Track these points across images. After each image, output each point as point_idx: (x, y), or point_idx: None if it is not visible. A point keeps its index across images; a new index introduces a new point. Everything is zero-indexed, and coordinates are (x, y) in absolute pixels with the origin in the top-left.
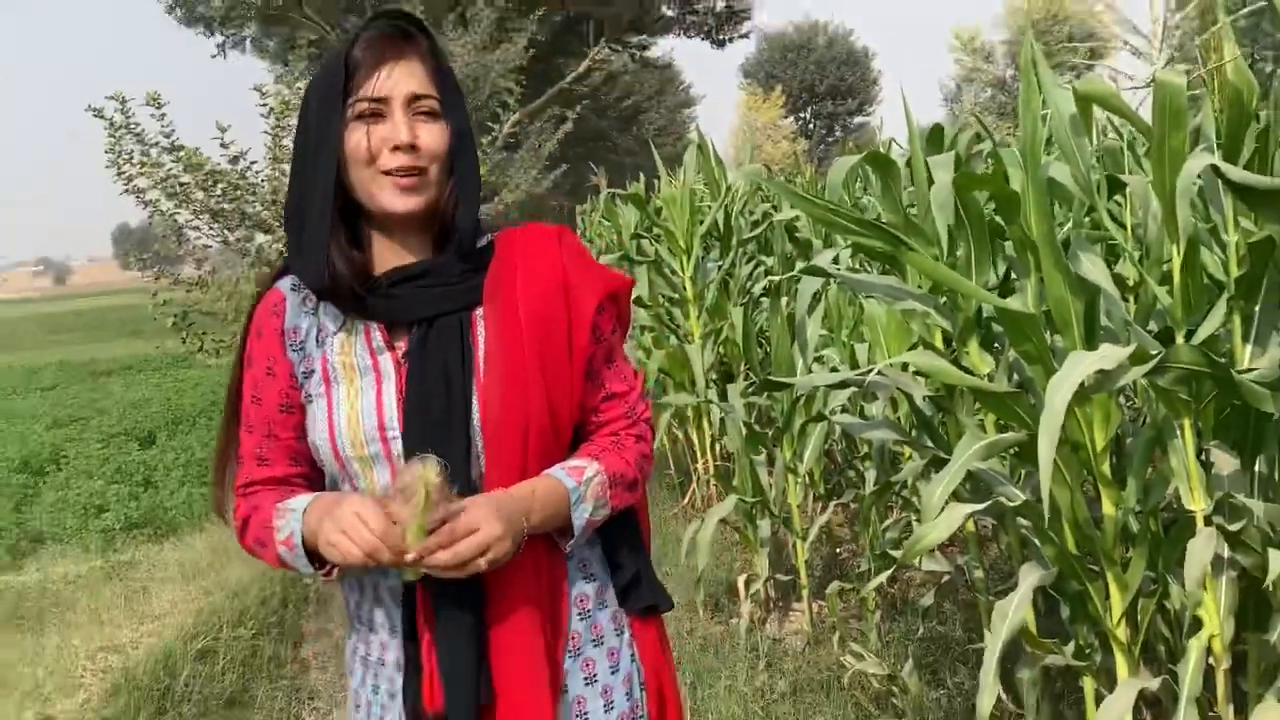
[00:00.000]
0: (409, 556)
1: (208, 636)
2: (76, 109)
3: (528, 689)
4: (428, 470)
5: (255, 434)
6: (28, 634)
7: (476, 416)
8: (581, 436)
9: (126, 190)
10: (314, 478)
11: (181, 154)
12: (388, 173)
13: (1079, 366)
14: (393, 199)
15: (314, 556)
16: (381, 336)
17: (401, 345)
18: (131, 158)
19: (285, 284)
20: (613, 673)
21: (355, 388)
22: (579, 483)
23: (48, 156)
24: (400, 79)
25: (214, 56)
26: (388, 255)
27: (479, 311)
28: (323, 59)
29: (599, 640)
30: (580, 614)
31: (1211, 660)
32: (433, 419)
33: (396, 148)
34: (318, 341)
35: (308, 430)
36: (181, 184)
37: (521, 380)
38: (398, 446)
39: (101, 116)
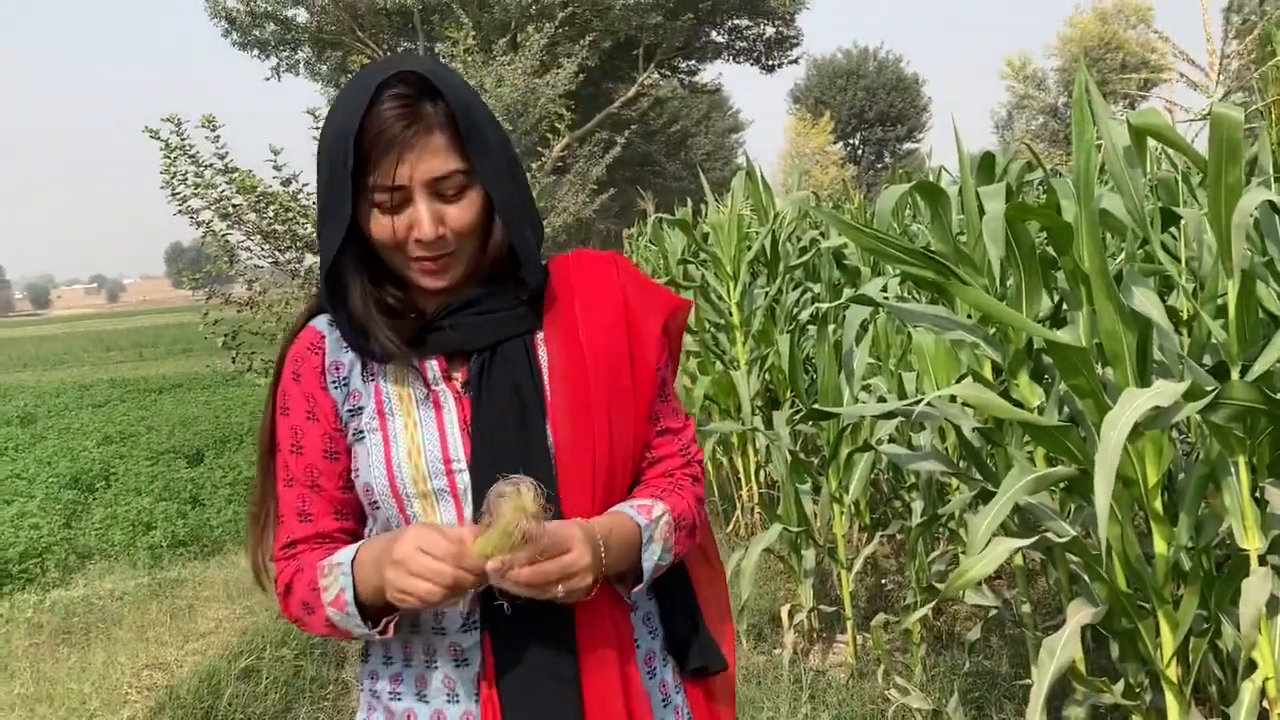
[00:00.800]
0: (491, 565)
1: (251, 656)
2: (133, 130)
3: None
4: (523, 496)
5: (296, 486)
6: (75, 650)
7: (551, 442)
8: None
9: (180, 211)
10: (359, 533)
11: (235, 176)
12: (417, 258)
13: (1134, 403)
14: (425, 280)
15: (367, 613)
16: (439, 367)
17: (459, 375)
18: (186, 179)
19: (320, 322)
20: None
21: (413, 420)
22: (649, 520)
23: (103, 176)
24: (418, 164)
25: (267, 79)
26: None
27: (540, 336)
28: (333, 113)
29: (666, 700)
30: (648, 673)
31: (1265, 703)
32: (505, 448)
33: (419, 240)
34: (365, 376)
35: (359, 470)
36: (234, 205)
37: (589, 406)
38: (464, 480)
39: (157, 138)
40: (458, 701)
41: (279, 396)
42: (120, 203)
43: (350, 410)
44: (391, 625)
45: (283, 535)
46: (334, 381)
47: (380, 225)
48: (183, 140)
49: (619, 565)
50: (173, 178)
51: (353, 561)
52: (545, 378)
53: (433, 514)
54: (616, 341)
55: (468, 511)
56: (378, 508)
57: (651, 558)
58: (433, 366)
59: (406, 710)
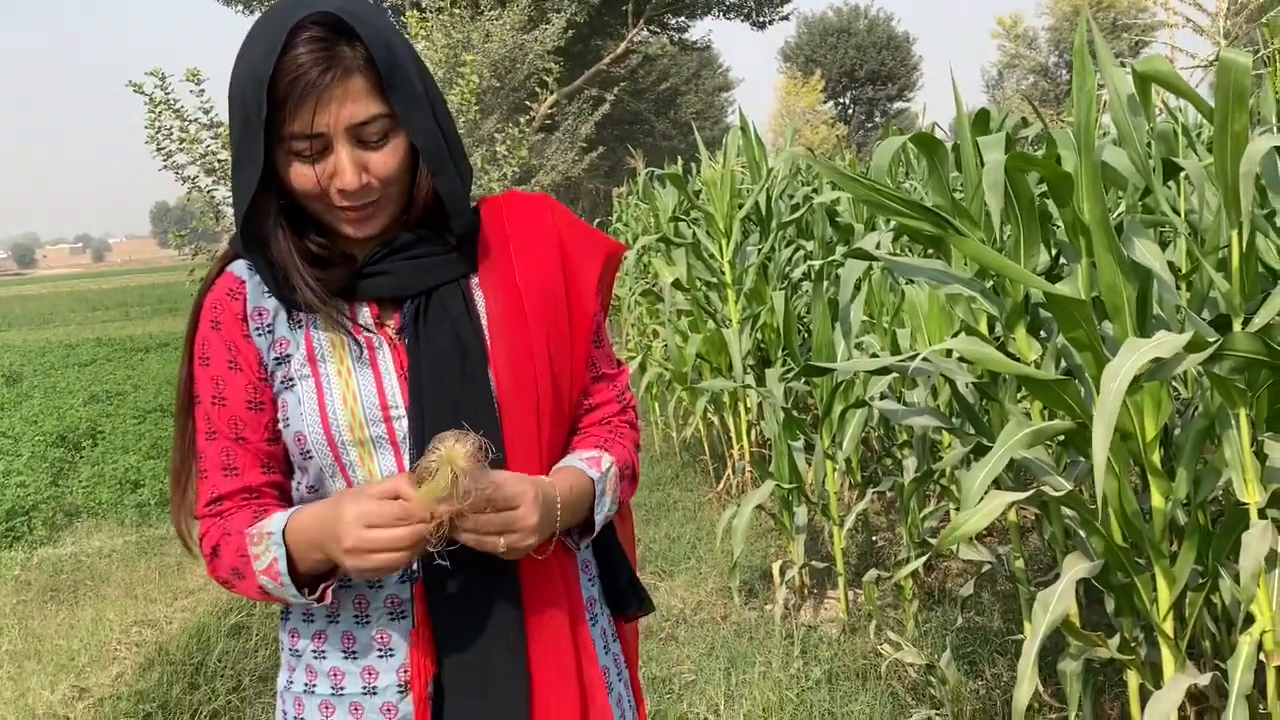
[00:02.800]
0: (426, 521)
1: (241, 613)
2: (116, 85)
3: (567, 708)
4: (458, 447)
5: (220, 440)
6: (63, 607)
7: (494, 388)
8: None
9: (165, 166)
10: (286, 486)
11: (221, 130)
12: (341, 207)
13: (1135, 354)
14: (349, 229)
15: (301, 580)
16: (370, 314)
17: (392, 322)
18: (171, 134)
19: (238, 267)
20: (619, 679)
21: (346, 366)
22: (600, 473)
23: (86, 133)
24: (337, 109)
25: None
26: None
27: (474, 280)
28: (243, 55)
29: (607, 648)
30: (591, 620)
31: (1263, 656)
32: (446, 394)
33: (341, 189)
34: (291, 323)
35: (289, 419)
36: (220, 160)
37: (530, 350)
38: (402, 427)
39: (141, 92)
40: (391, 655)
41: (197, 346)
42: (105, 162)
43: (276, 358)
44: (329, 591)
45: (206, 491)
46: (257, 329)
47: (300, 175)
48: (167, 95)
49: (573, 519)
50: (157, 133)
51: (283, 530)
52: (484, 322)
53: (370, 462)
54: (553, 285)
55: (406, 459)
56: (310, 457)
57: (602, 510)
58: (364, 313)
59: (331, 668)
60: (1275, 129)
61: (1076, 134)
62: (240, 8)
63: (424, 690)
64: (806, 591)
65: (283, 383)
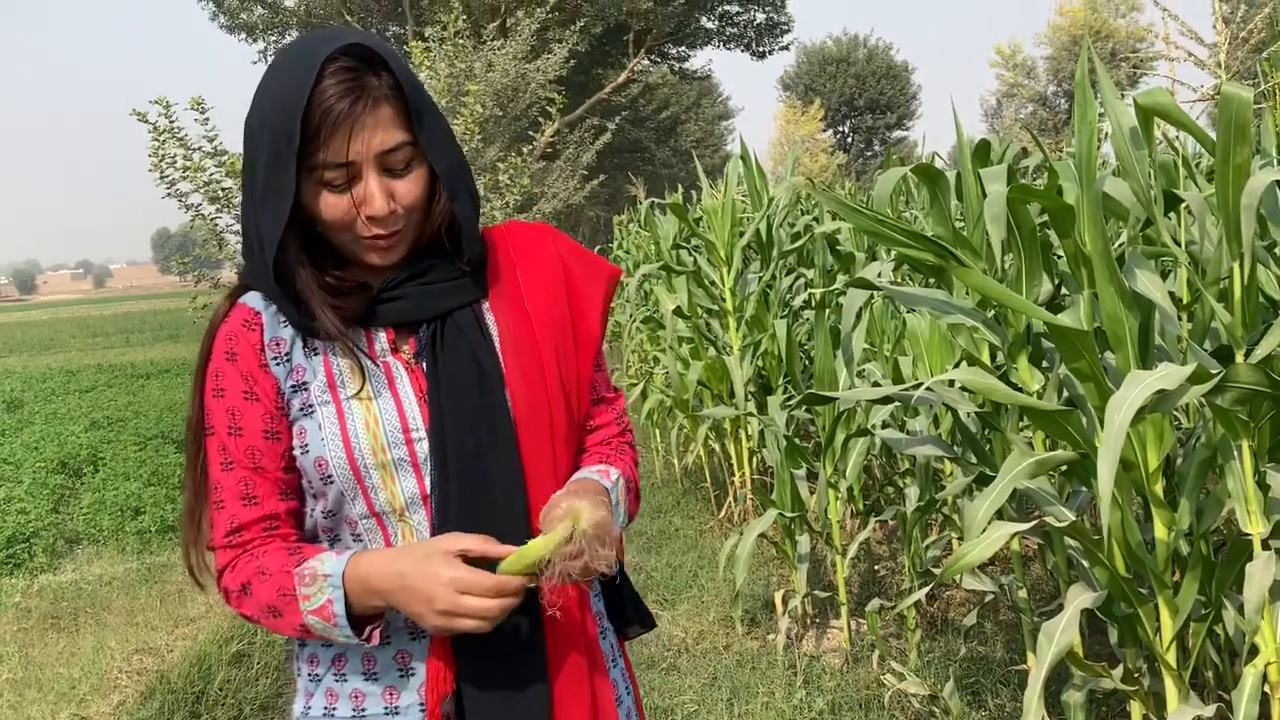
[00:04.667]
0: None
1: (242, 641)
2: (120, 114)
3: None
4: (580, 511)
5: (237, 470)
6: (64, 635)
7: (510, 407)
8: None
9: (169, 194)
10: (302, 513)
11: (225, 159)
12: (369, 236)
13: (1139, 386)
14: (374, 257)
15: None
16: (386, 339)
17: (407, 348)
18: (174, 162)
19: (252, 299)
20: (628, 693)
21: (366, 392)
22: (611, 484)
23: (88, 160)
24: (368, 138)
25: (254, 63)
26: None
27: (485, 305)
28: (271, 86)
29: (615, 660)
30: (600, 634)
31: (1267, 688)
32: (467, 414)
33: (370, 217)
34: (307, 351)
35: (308, 445)
36: (224, 189)
37: (542, 371)
38: (423, 449)
39: (145, 120)
40: (413, 675)
41: (210, 378)
42: (107, 189)
43: (293, 386)
44: (376, 633)
45: (224, 521)
46: (275, 358)
47: (331, 204)
48: (171, 123)
49: None
50: (161, 160)
51: (343, 575)
52: (496, 345)
53: (392, 484)
54: (559, 309)
55: (427, 480)
56: (330, 482)
57: (617, 519)
58: (380, 339)
59: (353, 691)
60: (1275, 162)
61: (1078, 165)
62: (244, 36)
63: (437, 708)
64: (809, 621)
65: (301, 410)
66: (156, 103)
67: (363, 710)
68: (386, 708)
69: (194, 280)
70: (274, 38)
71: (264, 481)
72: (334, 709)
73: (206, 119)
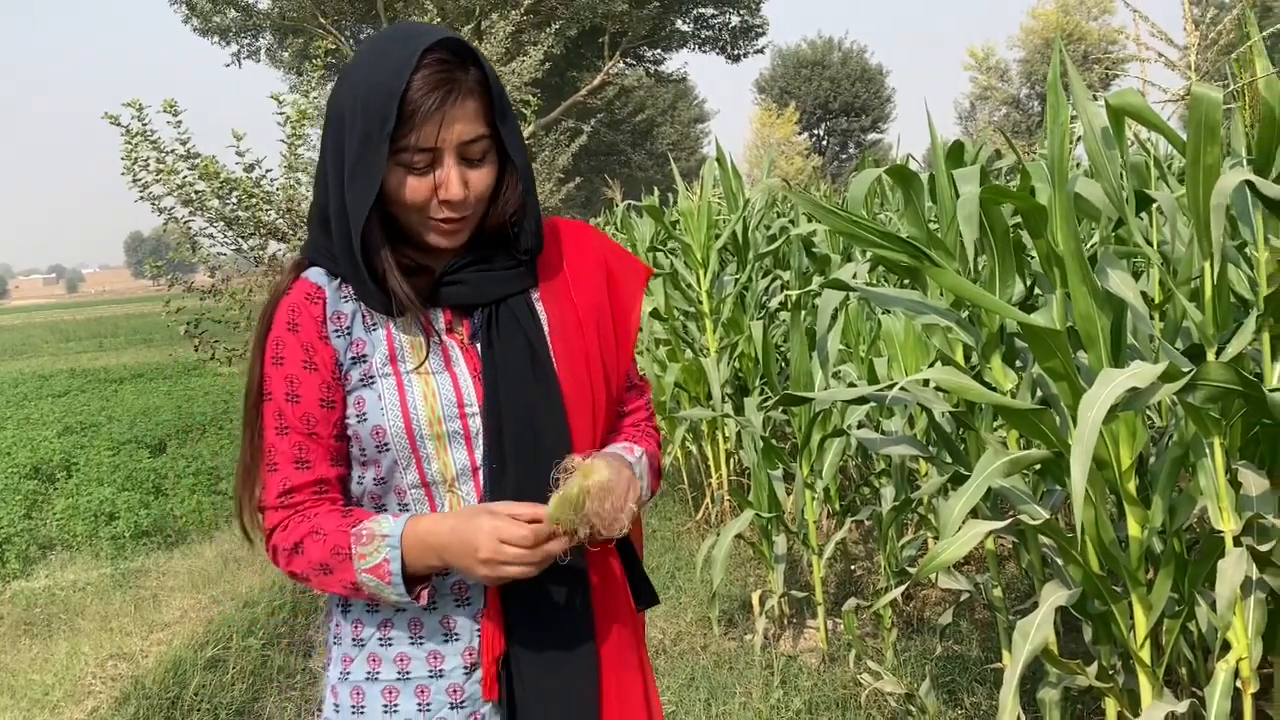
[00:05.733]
0: (559, 540)
1: (217, 646)
2: (92, 117)
3: (629, 678)
4: (590, 468)
5: (293, 434)
6: (36, 641)
7: (560, 389)
8: None
9: (142, 198)
10: (348, 479)
11: (198, 162)
12: (440, 219)
13: (1112, 384)
14: (439, 239)
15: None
16: (444, 319)
17: (462, 329)
18: (147, 164)
19: (315, 274)
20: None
21: (426, 367)
22: (634, 459)
23: (62, 164)
24: (454, 126)
25: (228, 66)
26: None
27: (535, 294)
28: (368, 73)
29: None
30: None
31: (1239, 683)
32: (521, 394)
33: (445, 200)
34: (367, 326)
35: (367, 414)
36: (197, 192)
37: (588, 358)
38: (476, 423)
39: (118, 124)
40: (457, 639)
41: (270, 346)
42: (79, 192)
43: (353, 358)
44: (424, 593)
45: (276, 482)
46: (336, 331)
47: (413, 187)
48: (144, 126)
49: None
50: (134, 164)
51: (401, 535)
52: (546, 331)
53: (444, 455)
54: (602, 302)
55: (478, 453)
56: (385, 450)
57: (639, 489)
58: (439, 319)
59: (398, 654)
60: (1245, 162)
61: (1050, 166)
62: (217, 39)
63: (493, 667)
64: (786, 621)
65: (361, 380)
66: (129, 105)
67: (407, 672)
68: (431, 670)
69: (167, 284)
70: (247, 40)
71: (317, 447)
72: (377, 672)
73: (179, 122)
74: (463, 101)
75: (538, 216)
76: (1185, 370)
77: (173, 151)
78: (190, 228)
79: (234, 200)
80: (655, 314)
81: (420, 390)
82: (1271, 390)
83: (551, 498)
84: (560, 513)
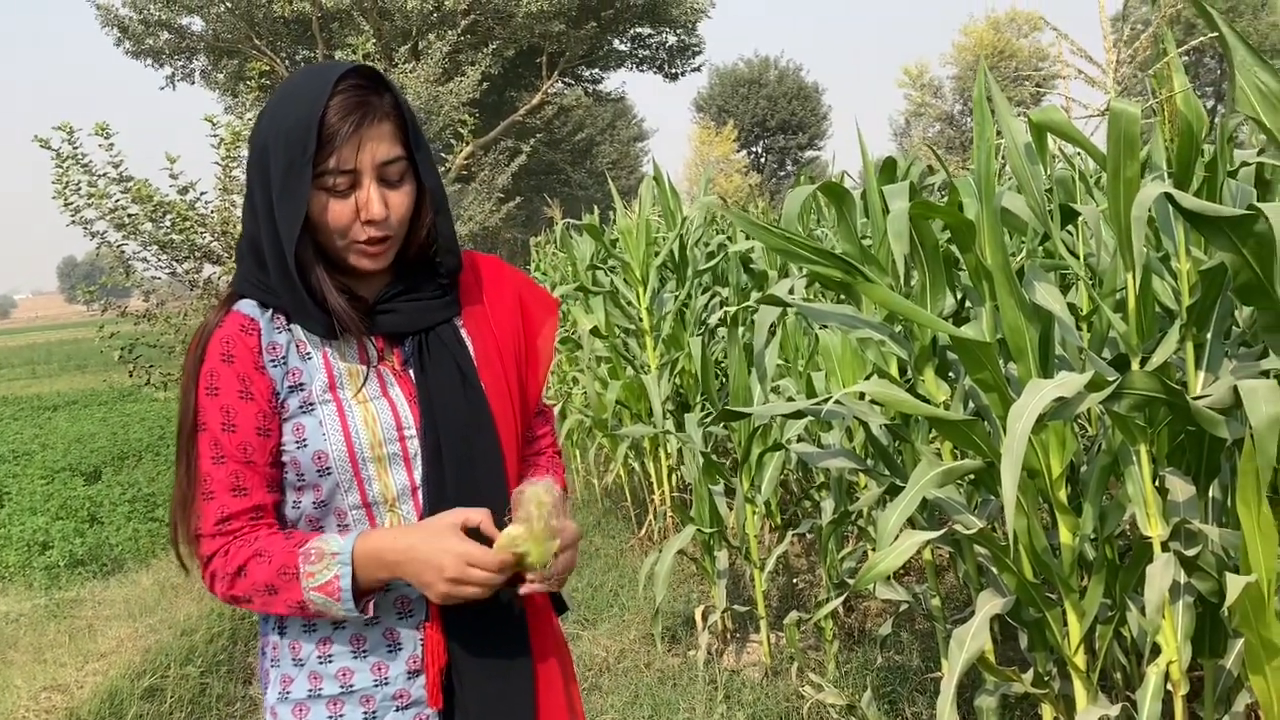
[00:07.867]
0: (531, 579)
1: (155, 675)
2: (21, 139)
3: (556, 682)
4: (540, 491)
5: (229, 463)
6: None
7: (491, 411)
8: None
9: (74, 221)
10: (282, 504)
11: (130, 185)
12: (363, 241)
13: (1039, 393)
14: (363, 261)
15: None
16: (375, 346)
17: (394, 355)
18: (79, 188)
19: (248, 306)
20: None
21: (364, 393)
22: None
23: None
24: (373, 148)
25: (162, 88)
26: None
27: (459, 322)
28: (286, 104)
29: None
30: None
31: (1170, 686)
32: (455, 416)
33: (368, 221)
34: (300, 355)
35: (308, 440)
36: (130, 215)
37: (508, 382)
38: (414, 445)
39: (48, 147)
40: (400, 649)
41: (204, 377)
42: (9, 217)
43: (290, 387)
44: (370, 605)
45: (213, 510)
46: (272, 361)
47: (335, 210)
48: (75, 149)
49: None
50: (65, 187)
51: (352, 553)
52: (473, 357)
53: (385, 475)
54: (517, 331)
55: (417, 473)
56: (327, 474)
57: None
58: (371, 346)
59: (339, 669)
60: (1165, 175)
61: (977, 182)
62: (150, 61)
63: (438, 675)
64: (729, 636)
65: (301, 408)
66: (60, 128)
67: (351, 685)
68: (375, 680)
69: (101, 309)
70: (181, 62)
71: (254, 475)
72: (319, 689)
73: (111, 144)
74: (378, 123)
75: (451, 233)
76: (1111, 380)
77: (104, 175)
78: (124, 252)
79: (168, 224)
80: (595, 331)
81: (361, 416)
82: (1195, 398)
83: (520, 531)
84: (535, 551)
